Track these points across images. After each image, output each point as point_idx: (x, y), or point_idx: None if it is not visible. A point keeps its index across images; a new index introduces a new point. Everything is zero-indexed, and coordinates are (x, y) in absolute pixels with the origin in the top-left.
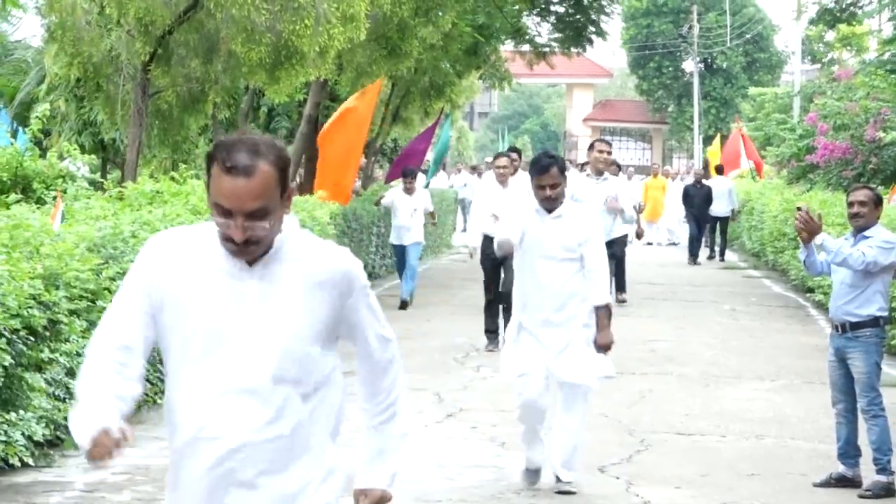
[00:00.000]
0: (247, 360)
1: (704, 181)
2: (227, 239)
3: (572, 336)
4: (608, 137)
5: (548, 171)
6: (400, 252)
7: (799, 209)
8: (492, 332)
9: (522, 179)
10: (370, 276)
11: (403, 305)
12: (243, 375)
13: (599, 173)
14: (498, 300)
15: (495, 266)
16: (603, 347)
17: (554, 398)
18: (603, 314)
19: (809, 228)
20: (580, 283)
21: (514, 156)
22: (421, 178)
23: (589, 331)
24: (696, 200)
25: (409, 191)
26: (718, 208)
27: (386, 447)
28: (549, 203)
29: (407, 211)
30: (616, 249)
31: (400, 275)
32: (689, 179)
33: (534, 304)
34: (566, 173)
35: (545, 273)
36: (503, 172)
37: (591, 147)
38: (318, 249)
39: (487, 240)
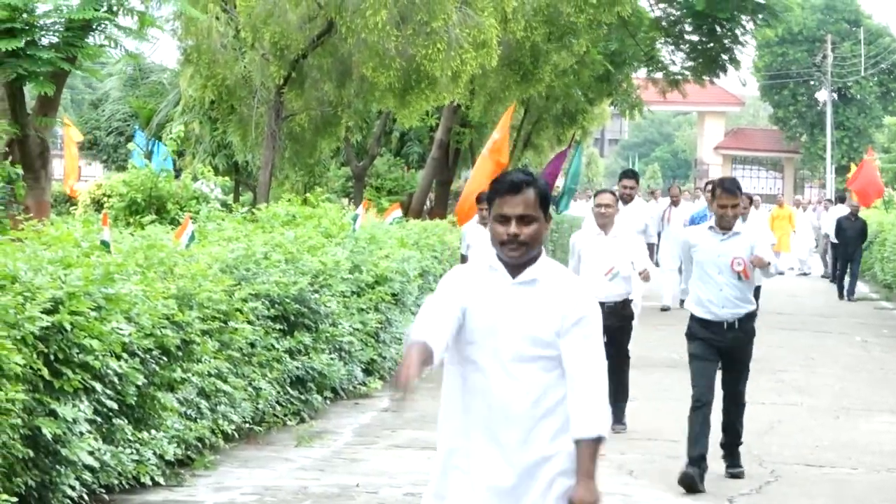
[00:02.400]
0: None
1: (857, 213)
2: None
3: (543, 492)
4: (734, 171)
5: (518, 193)
6: None
7: None
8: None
9: (638, 209)
10: None
11: None
12: None
13: (726, 228)
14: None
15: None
16: None
17: None
18: (587, 453)
19: None
20: (562, 400)
21: (630, 182)
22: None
23: (570, 482)
24: (850, 234)
25: (485, 220)
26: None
27: None
28: (515, 252)
29: (487, 248)
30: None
31: None
32: (821, 210)
33: (479, 435)
34: (551, 205)
35: (501, 382)
36: (604, 212)
37: (714, 195)
38: None
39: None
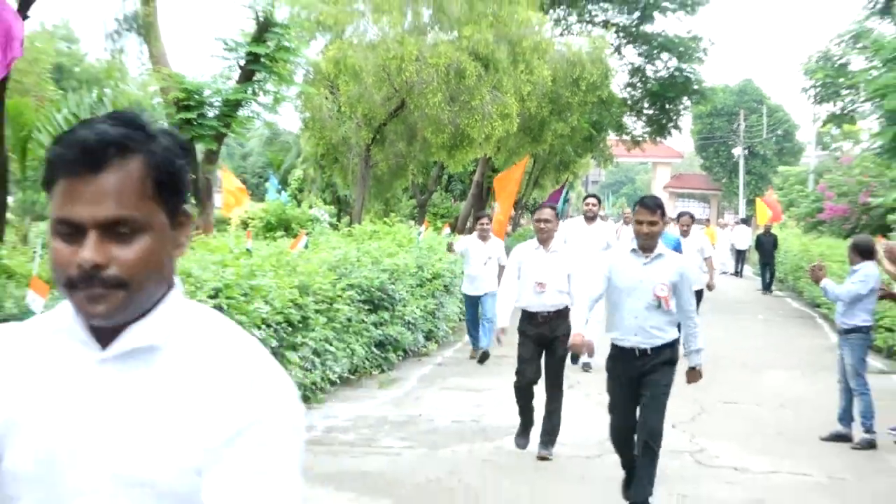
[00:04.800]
0: None
1: (770, 230)
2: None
3: None
4: (677, 203)
5: (100, 169)
6: (472, 302)
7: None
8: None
9: (600, 228)
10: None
11: (483, 358)
12: None
13: (648, 250)
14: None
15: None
16: None
17: None
18: None
19: (815, 277)
20: None
21: (593, 200)
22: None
23: None
24: (766, 246)
25: (483, 236)
26: (742, 244)
27: None
28: (100, 305)
29: (480, 259)
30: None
31: (471, 327)
32: (743, 229)
33: None
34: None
35: None
36: (543, 228)
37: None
38: None
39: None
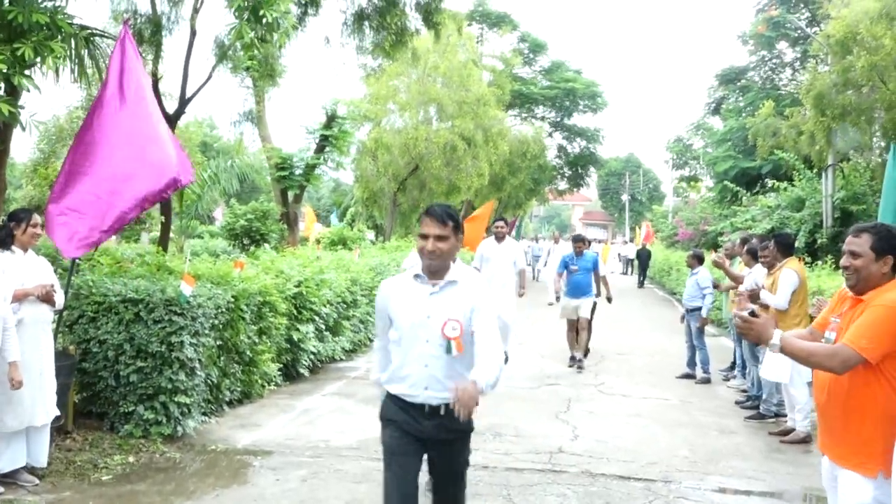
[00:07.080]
0: None
1: (646, 247)
2: None
3: None
4: (587, 229)
5: None
6: None
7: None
8: None
9: (509, 246)
10: None
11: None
12: None
13: (437, 276)
14: None
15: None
16: None
17: None
18: None
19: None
20: None
21: (501, 224)
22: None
23: None
24: (643, 256)
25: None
26: (628, 254)
27: None
28: None
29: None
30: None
31: None
32: (630, 246)
33: None
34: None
35: None
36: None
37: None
38: None
39: None
